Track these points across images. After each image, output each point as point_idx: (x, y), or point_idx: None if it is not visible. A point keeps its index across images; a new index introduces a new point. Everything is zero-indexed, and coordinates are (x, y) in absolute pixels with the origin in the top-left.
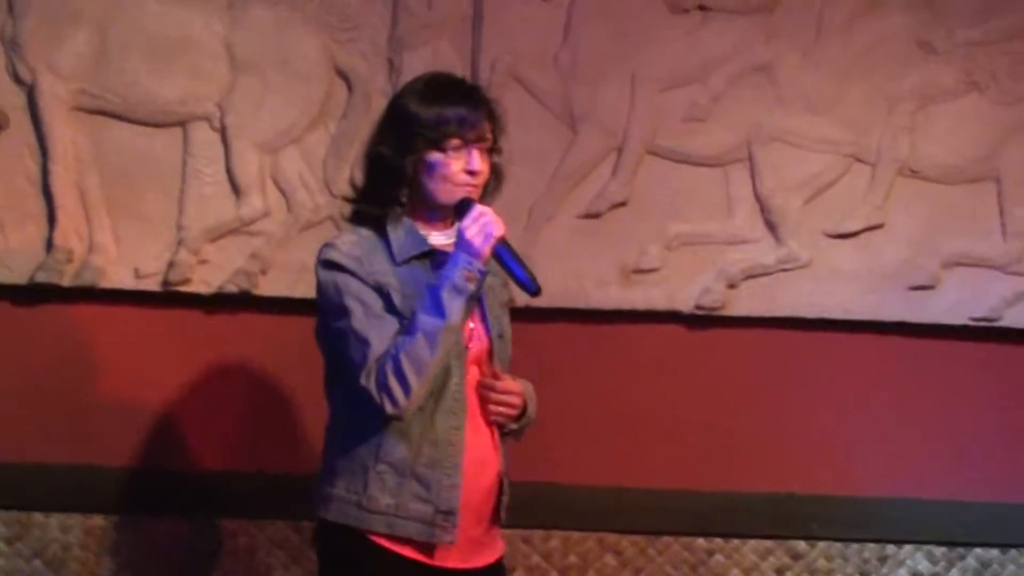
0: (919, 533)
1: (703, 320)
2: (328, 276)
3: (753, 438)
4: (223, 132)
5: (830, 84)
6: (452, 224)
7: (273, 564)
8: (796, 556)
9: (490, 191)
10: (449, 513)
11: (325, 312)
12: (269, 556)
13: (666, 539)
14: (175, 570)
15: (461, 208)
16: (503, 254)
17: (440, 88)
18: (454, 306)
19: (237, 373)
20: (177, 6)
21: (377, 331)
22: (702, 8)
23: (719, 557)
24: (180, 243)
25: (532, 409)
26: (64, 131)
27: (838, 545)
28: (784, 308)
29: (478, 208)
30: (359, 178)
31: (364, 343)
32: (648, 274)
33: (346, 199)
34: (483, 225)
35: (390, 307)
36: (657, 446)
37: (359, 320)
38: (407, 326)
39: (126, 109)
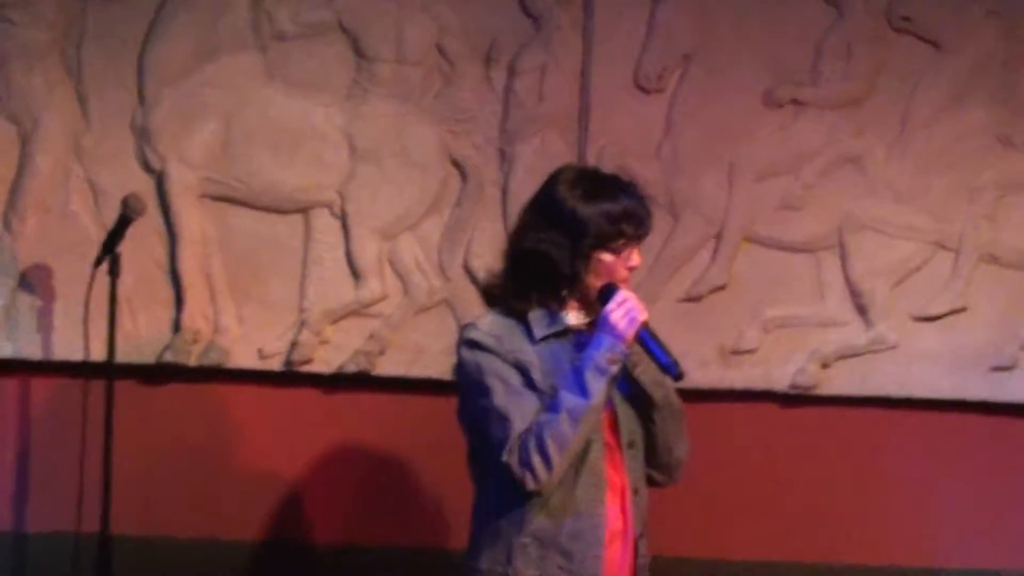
0: None
1: (797, 399)
2: (469, 355)
3: (842, 512)
4: (343, 218)
5: (915, 175)
6: (588, 305)
7: None
8: None
9: None
10: None
11: (466, 390)
12: None
13: None
14: None
15: (605, 292)
16: (647, 338)
17: (603, 185)
18: (597, 386)
19: (356, 450)
20: (299, 98)
21: (519, 408)
22: (795, 103)
23: None
24: (303, 324)
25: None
26: (192, 217)
27: None
28: (873, 388)
29: (623, 292)
30: (477, 264)
31: (506, 420)
32: (746, 355)
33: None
34: (628, 310)
35: (530, 384)
36: (749, 519)
37: (500, 397)
38: (549, 404)
39: (250, 196)
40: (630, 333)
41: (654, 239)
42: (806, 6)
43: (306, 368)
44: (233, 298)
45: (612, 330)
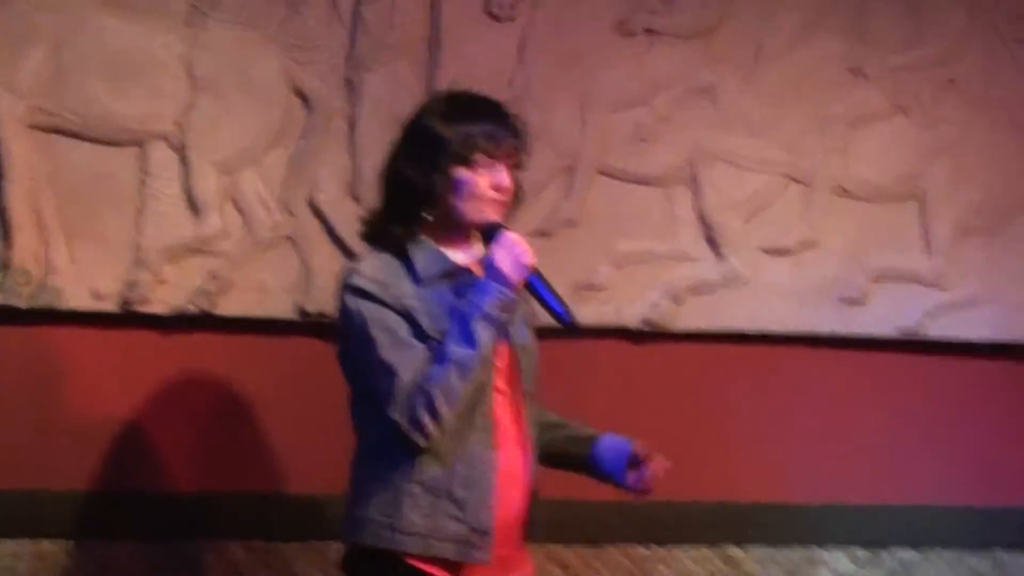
0: (844, 536)
1: (650, 335)
2: (352, 303)
3: (692, 448)
4: (181, 151)
5: (768, 107)
6: (474, 243)
7: None
8: (730, 561)
9: (514, 207)
10: (484, 532)
11: (350, 339)
12: None
13: (609, 549)
14: None
15: (490, 233)
16: (536, 284)
17: (464, 105)
18: (485, 336)
19: (196, 393)
20: (136, 24)
21: (405, 361)
22: (649, 32)
23: (659, 565)
24: (139, 263)
25: None
26: (20, 150)
27: (769, 549)
28: (726, 322)
29: (509, 235)
30: (322, 200)
31: (392, 374)
32: (598, 291)
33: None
34: (515, 254)
35: (417, 332)
36: None
37: (386, 350)
38: (436, 355)
39: (83, 128)
40: (517, 279)
41: None
42: None
43: (144, 309)
44: (65, 236)
45: (498, 276)
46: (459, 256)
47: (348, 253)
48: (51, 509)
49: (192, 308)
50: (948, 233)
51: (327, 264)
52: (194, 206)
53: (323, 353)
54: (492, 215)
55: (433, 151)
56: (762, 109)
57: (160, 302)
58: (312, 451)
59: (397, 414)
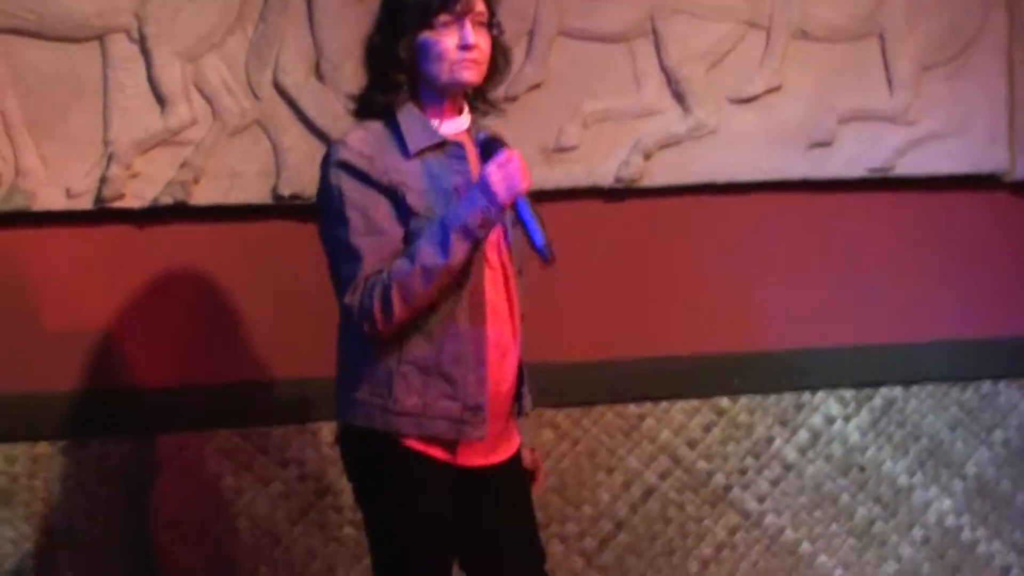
0: (830, 379)
1: (622, 193)
2: (334, 177)
3: (674, 303)
4: (142, 43)
5: None
6: (462, 111)
7: (222, 473)
8: (720, 412)
9: (500, 72)
10: (477, 408)
11: (326, 215)
12: (219, 466)
13: (599, 408)
14: (126, 490)
15: (488, 148)
16: (523, 211)
17: None
18: (460, 248)
19: (177, 285)
20: None
21: (373, 248)
22: None
23: (650, 420)
24: (110, 158)
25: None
26: None
27: (758, 398)
28: (696, 175)
29: (506, 153)
30: (287, 81)
31: (357, 259)
32: (568, 152)
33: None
34: (509, 173)
35: (401, 210)
36: (582, 319)
37: (356, 233)
38: (407, 252)
39: (41, 26)
40: (507, 199)
41: None
42: None
43: (118, 204)
44: (33, 137)
45: (488, 192)
46: (449, 126)
47: (318, 133)
48: (41, 411)
49: (167, 199)
50: (910, 68)
51: (297, 145)
52: (160, 97)
53: (301, 234)
54: (467, 76)
55: (398, 17)
56: None
57: (134, 196)
58: (297, 334)
59: (351, 298)
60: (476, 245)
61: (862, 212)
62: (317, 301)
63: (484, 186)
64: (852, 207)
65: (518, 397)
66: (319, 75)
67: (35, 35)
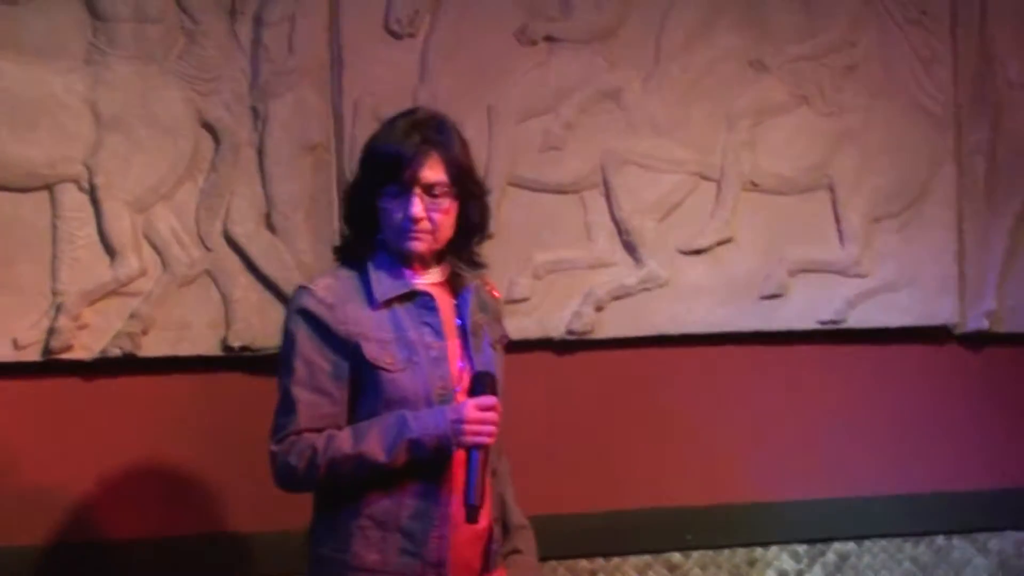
0: (783, 534)
1: (573, 345)
2: (292, 323)
3: (627, 456)
4: (92, 192)
5: (673, 106)
6: (436, 266)
7: None
8: (673, 568)
9: (474, 230)
10: (439, 565)
11: (279, 357)
12: None
13: (551, 563)
14: None
15: (479, 382)
16: (473, 463)
17: (390, 125)
18: (403, 456)
19: (127, 439)
20: (35, 66)
21: (310, 403)
22: (549, 39)
23: None
24: (58, 309)
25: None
26: None
27: (711, 553)
28: (648, 327)
29: (490, 400)
30: (237, 232)
31: (292, 411)
32: (519, 303)
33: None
34: (482, 428)
35: (356, 362)
36: (536, 473)
37: (299, 386)
38: (355, 431)
39: None
40: (467, 444)
41: None
42: None
43: (66, 356)
44: None
45: (455, 428)
46: (422, 278)
47: (268, 284)
48: None
49: (116, 351)
50: (860, 220)
51: (247, 296)
52: (109, 248)
53: (250, 386)
54: (414, 246)
55: (366, 175)
56: (667, 109)
57: (82, 347)
58: (245, 488)
59: (276, 447)
60: (422, 457)
61: (813, 364)
62: (266, 455)
63: (455, 419)
64: (803, 359)
65: (489, 554)
66: (269, 226)
67: None
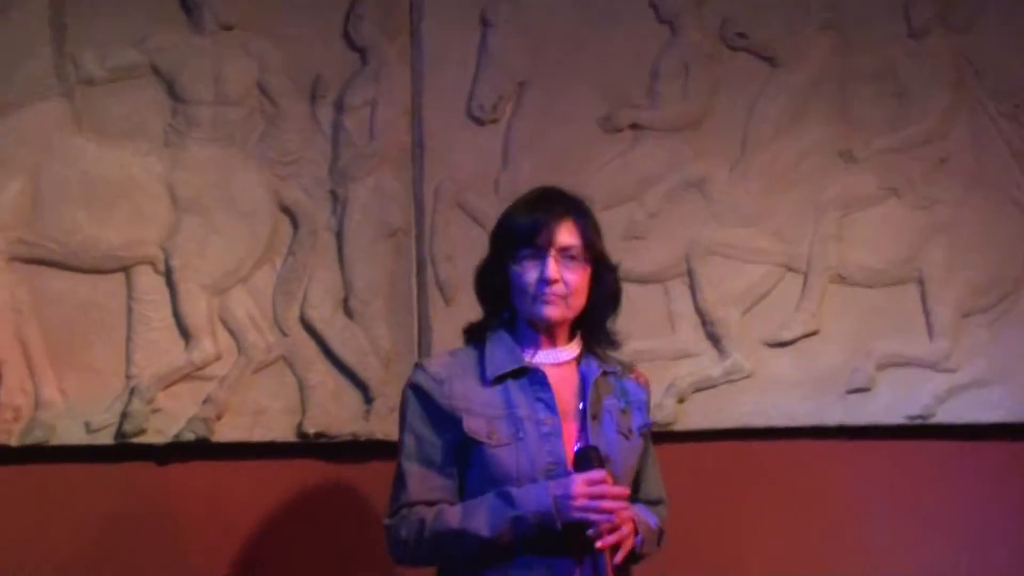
0: None
1: (655, 436)
2: (404, 398)
3: (708, 550)
4: (168, 275)
5: (760, 196)
6: (565, 342)
7: None
8: None
9: (606, 303)
10: None
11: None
12: None
13: None
14: None
15: (583, 458)
16: (601, 565)
17: (526, 199)
18: (507, 534)
19: (198, 525)
20: (114, 148)
21: (419, 476)
22: (634, 127)
23: None
24: (132, 392)
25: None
26: (2, 283)
27: None
28: (731, 419)
29: (599, 475)
30: (315, 317)
31: (402, 485)
32: None
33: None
34: (589, 504)
35: (459, 435)
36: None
37: (408, 457)
38: (463, 510)
39: (66, 257)
40: (574, 520)
41: None
42: (639, 26)
43: (139, 439)
44: (54, 368)
45: (562, 504)
46: (543, 356)
47: (344, 370)
48: None
49: (189, 435)
50: (950, 314)
51: (324, 382)
52: (185, 331)
53: (326, 474)
54: (546, 311)
55: (497, 249)
56: (753, 199)
57: (156, 431)
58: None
59: (390, 521)
60: (522, 531)
61: (901, 460)
62: (342, 542)
63: (561, 495)
64: (891, 455)
65: None
66: (347, 311)
67: (59, 265)
